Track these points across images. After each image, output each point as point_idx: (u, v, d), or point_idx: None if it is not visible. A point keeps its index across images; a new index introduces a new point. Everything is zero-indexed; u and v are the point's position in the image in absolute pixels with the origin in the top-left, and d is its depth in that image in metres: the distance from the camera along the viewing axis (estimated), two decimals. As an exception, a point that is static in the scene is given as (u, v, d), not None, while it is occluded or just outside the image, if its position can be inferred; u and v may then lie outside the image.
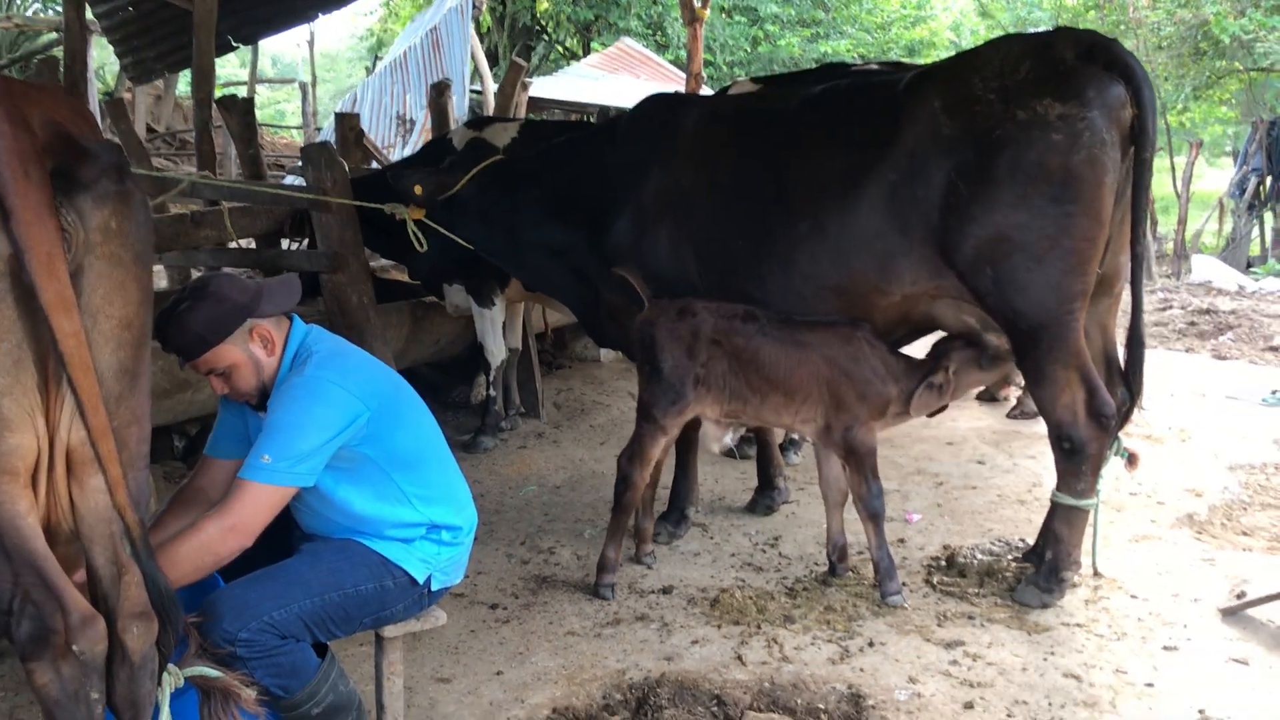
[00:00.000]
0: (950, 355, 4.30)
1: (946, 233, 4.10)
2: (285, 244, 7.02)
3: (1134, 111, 3.94)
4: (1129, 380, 4.37)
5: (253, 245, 7.11)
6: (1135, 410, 4.52)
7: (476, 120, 7.50)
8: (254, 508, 2.86)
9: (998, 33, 13.82)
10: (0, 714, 3.56)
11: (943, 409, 4.50)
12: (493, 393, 6.92)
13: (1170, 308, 12.41)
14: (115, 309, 2.35)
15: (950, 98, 4.11)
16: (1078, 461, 4.20)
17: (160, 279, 7.79)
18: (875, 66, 5.59)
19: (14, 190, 2.13)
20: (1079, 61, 3.96)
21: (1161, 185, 18.41)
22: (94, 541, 2.42)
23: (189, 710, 2.72)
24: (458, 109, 12.25)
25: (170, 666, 2.56)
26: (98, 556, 2.42)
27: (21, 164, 2.15)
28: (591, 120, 15.39)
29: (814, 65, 13.31)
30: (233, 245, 6.37)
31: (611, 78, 17.31)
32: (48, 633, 2.29)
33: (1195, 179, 19.39)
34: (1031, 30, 9.23)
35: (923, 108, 4.16)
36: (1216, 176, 30.64)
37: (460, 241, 5.41)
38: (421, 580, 3.18)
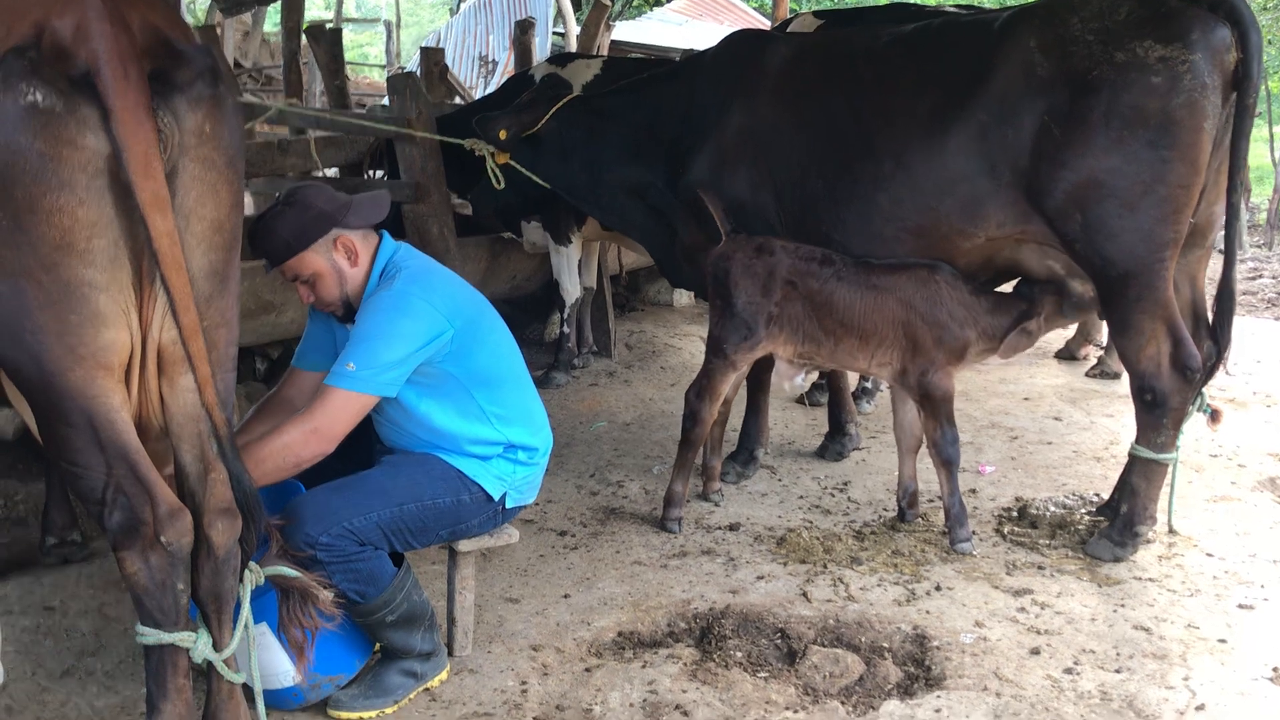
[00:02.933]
0: (1044, 299, 4.23)
1: (1036, 176, 4.01)
2: (367, 175, 7.09)
3: (1238, 56, 3.80)
4: (1216, 334, 4.26)
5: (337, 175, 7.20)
6: (1221, 370, 4.41)
7: (560, 56, 7.48)
8: (336, 413, 2.93)
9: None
10: (90, 609, 3.71)
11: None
12: (566, 330, 6.96)
13: (1261, 277, 12.04)
14: (207, 211, 2.40)
15: (1047, 38, 4.01)
16: (1159, 414, 4.11)
17: (247, 207, 7.92)
18: (950, 9, 5.43)
19: (114, 91, 2.18)
20: (1183, 3, 3.84)
21: (1258, 154, 17.76)
22: (182, 439, 2.50)
23: (268, 609, 2.81)
24: (540, 51, 12.23)
25: (252, 564, 2.64)
26: (185, 453, 2.50)
27: (122, 65, 2.20)
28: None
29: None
30: (318, 174, 6.46)
31: (695, 23, 17.14)
32: (137, 523, 2.37)
33: (1294, 149, 18.63)
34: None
35: (1017, 48, 4.05)
36: (1318, 146, 29.42)
37: (538, 180, 5.39)
38: (497, 497, 3.24)
